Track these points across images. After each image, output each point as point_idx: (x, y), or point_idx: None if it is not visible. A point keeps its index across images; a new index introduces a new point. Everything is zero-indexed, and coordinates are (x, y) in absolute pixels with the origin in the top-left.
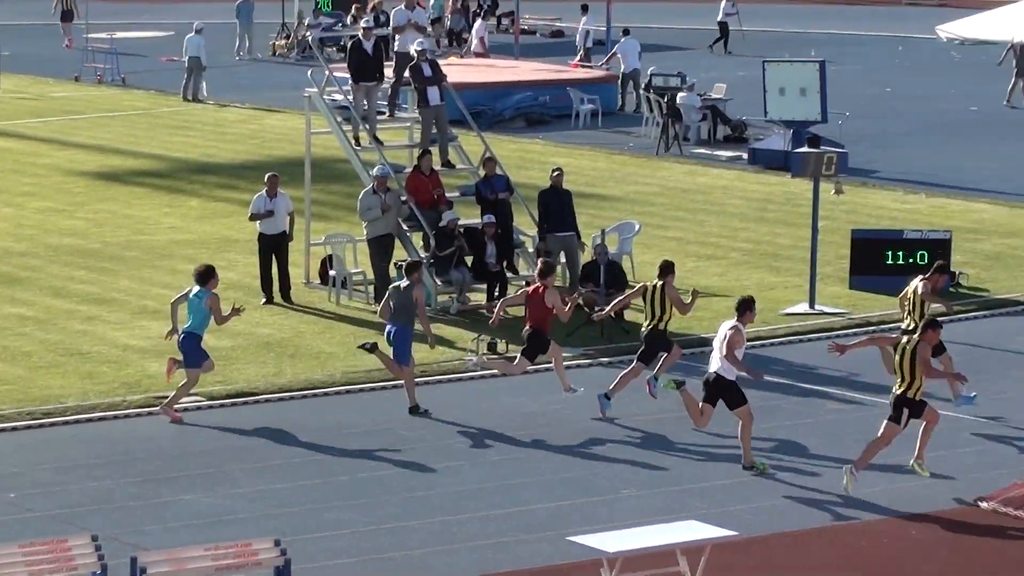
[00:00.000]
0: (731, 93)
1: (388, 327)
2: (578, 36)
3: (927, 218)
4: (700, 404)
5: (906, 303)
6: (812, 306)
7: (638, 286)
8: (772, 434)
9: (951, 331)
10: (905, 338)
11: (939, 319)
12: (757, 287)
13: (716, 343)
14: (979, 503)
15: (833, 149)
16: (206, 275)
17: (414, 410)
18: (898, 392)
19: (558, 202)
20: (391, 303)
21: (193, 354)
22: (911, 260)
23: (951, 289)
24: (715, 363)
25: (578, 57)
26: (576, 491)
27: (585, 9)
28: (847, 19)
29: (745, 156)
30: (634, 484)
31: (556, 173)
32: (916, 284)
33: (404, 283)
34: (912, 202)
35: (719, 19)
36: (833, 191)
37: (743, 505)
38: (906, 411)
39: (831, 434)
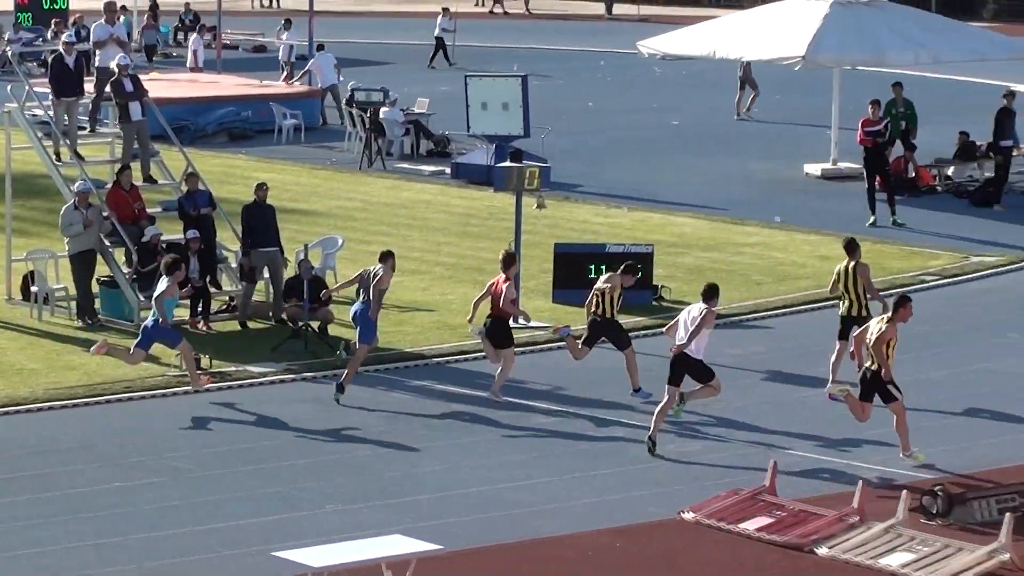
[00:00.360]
0: (434, 108)
1: (355, 306)
2: (281, 51)
3: (629, 232)
4: (667, 387)
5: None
6: (515, 320)
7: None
8: (478, 447)
9: (654, 345)
10: (874, 322)
11: (908, 295)
12: (461, 301)
13: (684, 323)
14: (682, 514)
15: (536, 163)
16: (173, 266)
17: (340, 388)
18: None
19: (262, 217)
20: (362, 286)
21: (169, 334)
22: None
23: (653, 303)
24: (681, 341)
25: (285, 73)
26: (281, 506)
27: (288, 24)
28: (550, 34)
29: (448, 171)
30: (339, 499)
31: (261, 188)
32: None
33: (378, 267)
34: (614, 216)
35: (436, 34)
36: (536, 205)
37: (449, 519)
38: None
39: (537, 446)
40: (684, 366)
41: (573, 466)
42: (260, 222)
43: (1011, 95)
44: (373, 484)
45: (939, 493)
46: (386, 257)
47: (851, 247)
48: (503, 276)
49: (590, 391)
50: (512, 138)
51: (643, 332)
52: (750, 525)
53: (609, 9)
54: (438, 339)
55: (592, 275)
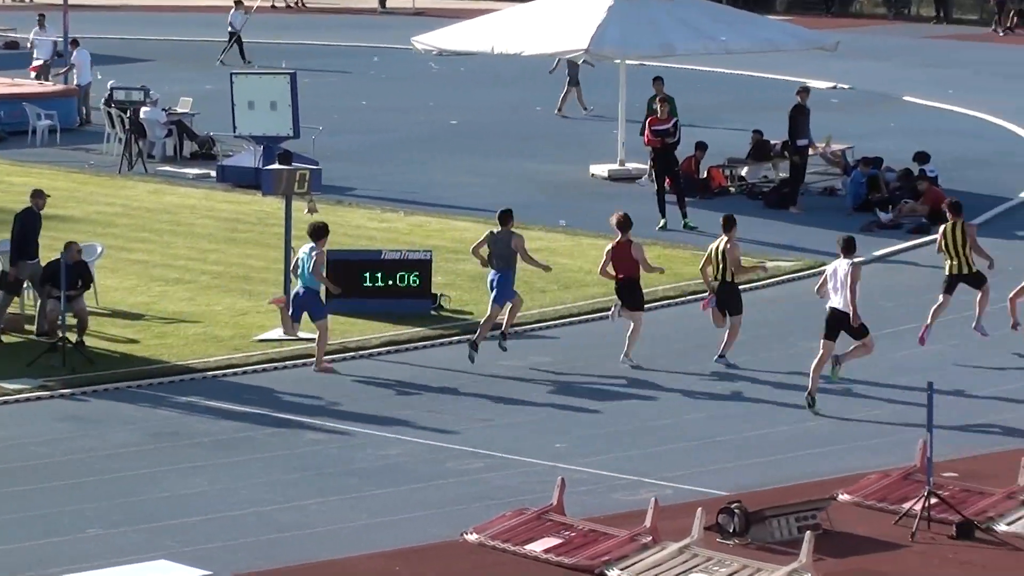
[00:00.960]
0: (198, 107)
1: (491, 275)
2: (38, 48)
3: (407, 237)
4: (823, 341)
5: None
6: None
7: (705, 254)
8: (248, 467)
9: (430, 356)
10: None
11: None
12: (229, 312)
13: (833, 283)
14: (466, 536)
15: (306, 165)
16: (321, 231)
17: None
18: None
19: (34, 227)
20: (492, 252)
21: (318, 307)
22: (391, 282)
23: (432, 312)
24: (835, 300)
25: (40, 71)
26: (39, 531)
27: (42, 19)
28: (321, 29)
29: (213, 174)
30: (101, 522)
31: (39, 196)
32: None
33: (498, 230)
34: (390, 221)
35: (230, 29)
36: (306, 210)
37: (217, 543)
38: None
39: (310, 465)
40: (839, 323)
41: (348, 486)
42: (32, 231)
43: (805, 91)
44: (137, 506)
45: (736, 511)
46: (505, 220)
47: (958, 207)
48: (622, 238)
49: (366, 407)
50: (281, 139)
51: (422, 343)
52: (537, 546)
53: (383, 3)
54: (205, 352)
55: (367, 283)
